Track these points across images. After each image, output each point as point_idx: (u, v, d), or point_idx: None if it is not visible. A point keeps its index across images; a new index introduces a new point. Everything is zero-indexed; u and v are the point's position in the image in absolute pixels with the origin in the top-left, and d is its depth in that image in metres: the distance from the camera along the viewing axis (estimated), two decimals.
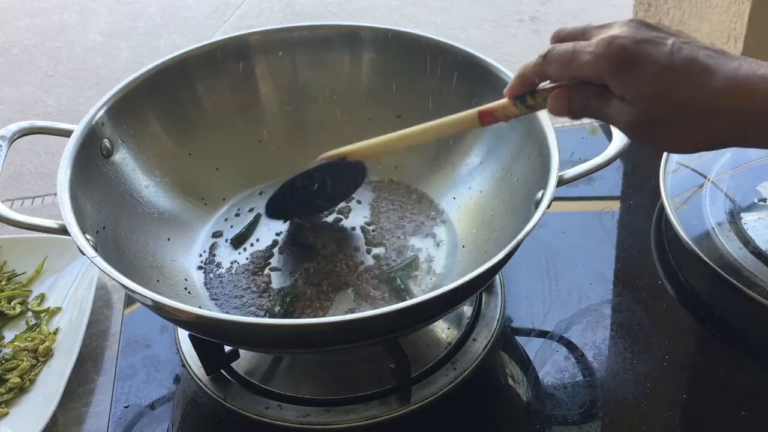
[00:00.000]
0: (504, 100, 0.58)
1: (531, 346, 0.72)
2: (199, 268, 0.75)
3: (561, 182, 0.64)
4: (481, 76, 0.77)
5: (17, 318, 0.77)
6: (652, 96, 0.49)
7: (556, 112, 0.55)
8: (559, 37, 0.54)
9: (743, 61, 0.48)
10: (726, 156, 0.87)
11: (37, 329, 0.75)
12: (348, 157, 0.71)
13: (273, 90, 0.84)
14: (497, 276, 0.75)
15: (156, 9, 2.66)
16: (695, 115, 0.49)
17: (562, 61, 0.52)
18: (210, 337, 0.63)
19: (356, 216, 0.80)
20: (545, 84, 0.56)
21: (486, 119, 0.60)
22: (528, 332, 0.73)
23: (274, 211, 0.77)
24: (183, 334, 0.72)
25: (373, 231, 0.78)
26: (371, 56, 0.83)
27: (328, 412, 0.65)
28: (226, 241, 0.78)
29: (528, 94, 0.56)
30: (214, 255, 0.77)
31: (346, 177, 0.76)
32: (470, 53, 0.77)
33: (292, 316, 0.70)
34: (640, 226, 0.84)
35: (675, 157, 0.86)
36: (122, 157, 0.74)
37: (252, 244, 0.78)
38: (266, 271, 0.75)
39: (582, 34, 0.53)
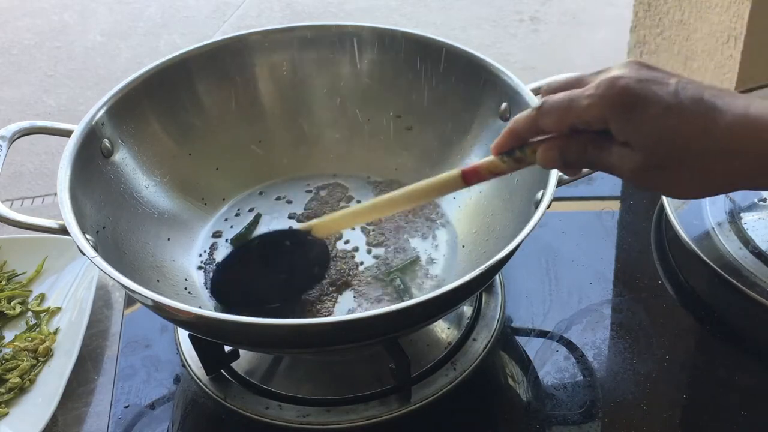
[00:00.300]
0: (490, 157, 0.55)
1: (531, 346, 0.72)
2: (199, 268, 0.75)
3: (561, 182, 0.64)
4: (481, 76, 0.77)
5: (17, 318, 0.77)
6: (659, 138, 0.46)
7: (547, 164, 0.52)
8: (552, 89, 0.51)
9: (752, 100, 0.46)
10: None
11: (37, 329, 0.75)
12: (313, 231, 0.67)
13: (273, 90, 0.84)
14: (497, 276, 0.75)
15: (156, 9, 2.66)
16: (704, 157, 0.46)
17: (560, 109, 0.49)
18: (210, 337, 0.63)
19: None
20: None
21: (471, 179, 0.56)
22: (528, 332, 0.73)
23: (223, 295, 0.70)
24: (183, 334, 0.72)
25: (373, 231, 0.78)
26: (371, 56, 0.83)
27: (328, 412, 0.65)
28: (226, 241, 0.78)
29: (516, 148, 0.53)
30: (214, 255, 0.77)
31: (307, 256, 0.71)
32: (470, 53, 0.77)
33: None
34: (640, 226, 0.84)
35: None
36: (122, 157, 0.74)
37: None
38: None
39: (576, 82, 0.50)
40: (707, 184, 0.48)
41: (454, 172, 0.57)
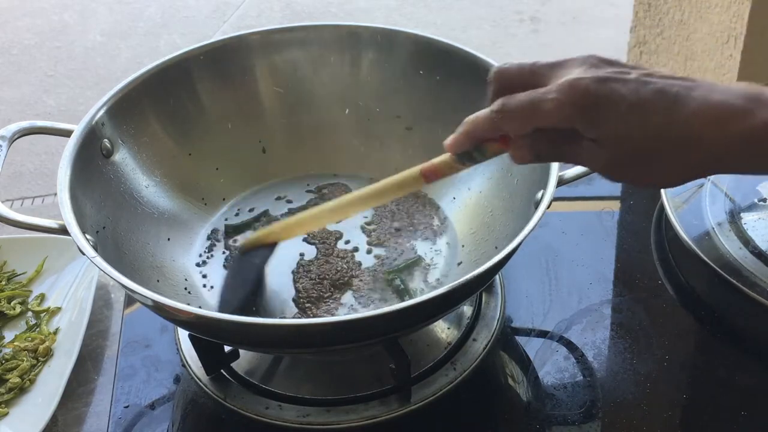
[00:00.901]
0: (447, 156, 0.54)
1: (531, 346, 0.72)
2: (199, 267, 0.75)
3: (561, 182, 0.64)
4: (481, 76, 0.76)
5: (17, 318, 0.77)
6: (624, 135, 0.47)
7: (520, 162, 0.51)
8: (503, 79, 0.51)
9: (714, 87, 0.46)
10: None
11: (37, 329, 0.75)
12: (279, 240, 0.69)
13: (273, 90, 0.84)
14: (497, 276, 0.75)
15: (156, 9, 2.66)
16: (671, 148, 0.47)
17: (523, 113, 0.48)
18: (210, 337, 0.63)
19: (357, 216, 0.80)
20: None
21: (430, 177, 0.57)
22: (528, 332, 0.73)
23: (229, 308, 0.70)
24: (183, 334, 0.72)
25: (373, 231, 0.78)
26: (371, 56, 0.83)
27: (328, 412, 0.65)
28: (225, 234, 0.78)
29: (473, 149, 0.52)
30: (214, 255, 0.77)
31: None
32: (470, 53, 0.77)
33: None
34: (640, 226, 0.84)
35: None
36: (122, 157, 0.74)
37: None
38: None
39: (530, 75, 0.50)
40: (679, 173, 0.48)
41: (413, 170, 0.57)
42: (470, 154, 0.52)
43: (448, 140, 0.53)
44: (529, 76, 0.50)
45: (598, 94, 0.46)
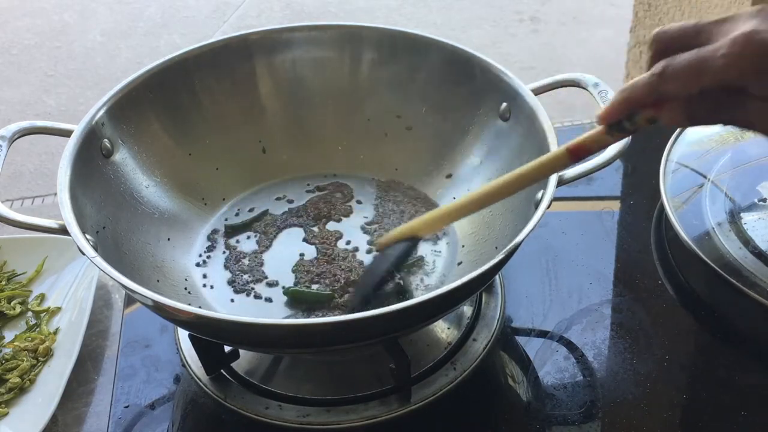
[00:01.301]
0: (595, 130, 0.51)
1: (531, 346, 0.72)
2: (199, 266, 0.75)
3: (561, 182, 0.64)
4: (482, 77, 0.77)
5: (17, 318, 0.77)
6: None
7: (671, 124, 0.48)
8: (665, 41, 0.47)
9: None
10: (726, 156, 0.87)
11: (37, 329, 0.75)
12: (420, 234, 0.66)
13: (273, 90, 0.84)
14: (497, 276, 0.75)
15: (156, 9, 2.66)
16: None
17: (689, 72, 0.45)
18: (210, 337, 0.63)
19: (357, 216, 0.80)
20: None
21: (578, 154, 0.53)
22: (528, 332, 0.73)
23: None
24: (183, 334, 0.72)
25: (374, 231, 0.78)
26: (371, 56, 0.83)
27: (328, 412, 0.65)
28: (225, 234, 0.78)
29: (625, 118, 0.50)
30: (214, 255, 0.77)
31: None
32: (470, 53, 0.77)
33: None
34: (640, 226, 0.84)
35: (675, 157, 0.86)
36: (122, 157, 0.74)
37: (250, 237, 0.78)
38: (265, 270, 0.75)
39: (695, 33, 0.46)
40: None
41: (559, 149, 0.55)
42: (621, 123, 0.50)
43: (602, 111, 0.50)
44: (694, 35, 0.47)
45: None
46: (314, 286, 0.72)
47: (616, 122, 0.50)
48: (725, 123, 0.48)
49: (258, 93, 0.84)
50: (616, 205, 0.88)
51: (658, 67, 0.46)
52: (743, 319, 0.74)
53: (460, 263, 0.74)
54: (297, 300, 0.71)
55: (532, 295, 0.76)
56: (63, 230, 0.61)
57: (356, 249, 0.77)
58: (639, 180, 0.90)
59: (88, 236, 0.61)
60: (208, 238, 0.78)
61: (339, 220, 0.80)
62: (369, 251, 0.76)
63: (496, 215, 0.74)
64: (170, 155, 0.79)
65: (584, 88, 0.73)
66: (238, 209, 0.81)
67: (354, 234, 0.78)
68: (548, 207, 0.61)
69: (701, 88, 0.45)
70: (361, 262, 0.75)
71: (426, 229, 0.67)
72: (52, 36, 2.53)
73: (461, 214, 0.64)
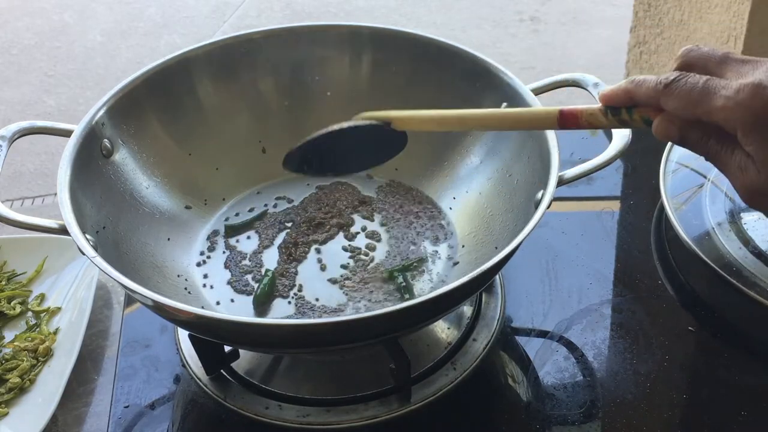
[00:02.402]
0: (593, 106, 0.51)
1: (531, 346, 0.72)
2: (199, 266, 0.75)
3: (561, 182, 0.64)
4: (481, 76, 0.77)
5: (17, 318, 0.77)
6: None
7: (663, 138, 0.48)
8: (691, 58, 0.47)
9: None
10: None
11: (37, 329, 0.75)
12: (393, 125, 0.63)
13: (273, 90, 0.84)
14: (497, 276, 0.75)
15: (156, 9, 2.66)
16: None
17: (690, 99, 0.45)
18: (210, 337, 0.63)
19: (357, 216, 0.80)
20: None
21: (567, 122, 0.53)
22: (528, 332, 0.73)
23: (292, 162, 0.67)
24: (183, 334, 0.72)
25: (373, 231, 0.78)
26: (371, 56, 0.83)
27: (328, 412, 0.65)
28: (225, 234, 0.78)
29: (624, 107, 0.50)
30: (214, 255, 0.77)
31: (381, 143, 0.67)
32: (470, 53, 0.77)
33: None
34: (640, 226, 0.84)
35: (675, 157, 0.86)
36: (122, 157, 0.74)
37: (249, 237, 0.78)
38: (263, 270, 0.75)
39: (717, 64, 0.46)
40: None
41: (551, 108, 0.53)
42: (618, 110, 0.51)
43: (605, 90, 0.51)
44: (717, 64, 0.46)
45: None
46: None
47: (614, 107, 0.51)
48: (708, 159, 0.47)
49: (258, 93, 0.84)
50: (616, 205, 0.88)
51: (669, 77, 0.46)
52: (743, 319, 0.74)
53: (459, 263, 0.74)
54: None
55: (532, 295, 0.76)
56: (63, 230, 0.61)
57: (357, 249, 0.76)
58: (639, 180, 0.91)
59: (88, 236, 0.61)
60: (208, 238, 0.78)
61: (339, 220, 0.79)
62: (369, 251, 0.76)
63: (495, 215, 0.74)
64: (170, 155, 0.79)
65: (584, 88, 0.73)
66: (238, 209, 0.81)
67: (354, 234, 0.78)
68: (548, 207, 0.61)
69: (695, 118, 0.45)
70: (361, 262, 0.75)
71: (400, 122, 0.63)
72: (52, 36, 2.53)
73: (440, 125, 0.62)
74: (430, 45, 0.80)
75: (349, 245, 0.77)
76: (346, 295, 0.72)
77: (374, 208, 0.81)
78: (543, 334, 0.73)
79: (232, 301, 0.72)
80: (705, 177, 0.85)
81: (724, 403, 0.67)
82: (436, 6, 2.61)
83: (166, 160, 0.78)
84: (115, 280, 0.57)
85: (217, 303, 0.72)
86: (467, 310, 0.73)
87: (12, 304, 0.78)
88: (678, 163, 0.86)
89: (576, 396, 0.67)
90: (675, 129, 0.47)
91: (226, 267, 0.75)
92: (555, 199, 0.62)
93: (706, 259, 0.74)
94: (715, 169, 0.82)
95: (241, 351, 0.68)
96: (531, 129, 0.63)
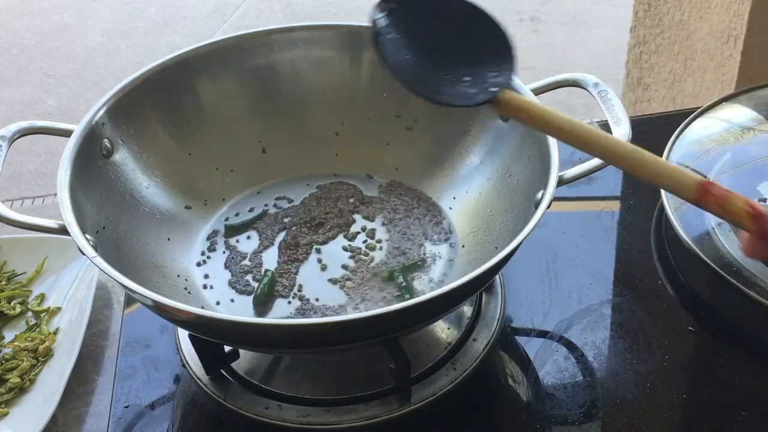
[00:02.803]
0: (746, 203, 0.53)
1: (531, 346, 0.72)
2: (199, 266, 0.75)
3: (561, 182, 0.64)
4: None
5: (17, 318, 0.77)
6: None
7: (749, 254, 0.51)
8: None
9: None
10: (726, 156, 0.87)
11: (37, 329, 0.75)
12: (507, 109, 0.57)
13: (273, 90, 0.84)
14: (497, 276, 0.75)
15: (156, 9, 2.66)
16: None
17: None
18: (210, 337, 0.63)
19: (357, 216, 0.80)
20: None
21: (708, 200, 0.53)
22: (528, 332, 0.73)
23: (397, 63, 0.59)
24: (183, 334, 0.72)
25: (373, 231, 0.78)
26: (371, 56, 0.83)
27: (328, 412, 0.65)
28: (225, 234, 0.78)
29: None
30: (214, 255, 0.77)
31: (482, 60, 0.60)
32: None
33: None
34: (640, 226, 0.84)
35: (675, 157, 0.86)
36: (122, 157, 0.74)
37: (249, 237, 0.78)
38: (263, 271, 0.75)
39: None
40: None
41: (693, 179, 0.52)
42: None
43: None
44: None
45: None
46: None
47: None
48: None
49: (258, 93, 0.84)
50: (616, 205, 0.88)
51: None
52: (743, 319, 0.74)
53: (459, 264, 0.74)
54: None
55: (532, 295, 0.76)
56: (63, 230, 0.61)
57: (357, 249, 0.76)
58: (639, 180, 0.90)
59: (88, 236, 0.61)
60: (208, 238, 0.78)
61: (339, 220, 0.79)
62: (369, 252, 0.76)
63: (495, 215, 0.74)
64: (170, 155, 0.79)
65: (584, 88, 0.73)
66: (238, 209, 0.81)
67: (354, 234, 0.78)
68: (548, 207, 0.61)
69: None
70: (362, 262, 0.75)
71: (527, 114, 0.57)
72: (52, 36, 2.53)
73: (563, 133, 0.54)
74: None
75: (350, 245, 0.77)
76: (347, 295, 0.72)
77: (374, 208, 0.81)
78: (543, 334, 0.73)
79: (232, 301, 0.72)
80: (705, 177, 0.85)
81: (724, 403, 0.67)
82: None
83: (166, 160, 0.78)
84: (115, 280, 0.57)
85: (217, 303, 0.72)
86: (467, 310, 0.73)
87: (12, 304, 0.78)
88: (678, 163, 0.86)
89: (576, 396, 0.67)
90: (761, 251, 0.51)
91: (226, 267, 0.75)
92: (555, 199, 0.62)
93: (706, 259, 0.74)
94: (715, 169, 0.82)
95: (241, 351, 0.68)
96: (667, 190, 0.60)
